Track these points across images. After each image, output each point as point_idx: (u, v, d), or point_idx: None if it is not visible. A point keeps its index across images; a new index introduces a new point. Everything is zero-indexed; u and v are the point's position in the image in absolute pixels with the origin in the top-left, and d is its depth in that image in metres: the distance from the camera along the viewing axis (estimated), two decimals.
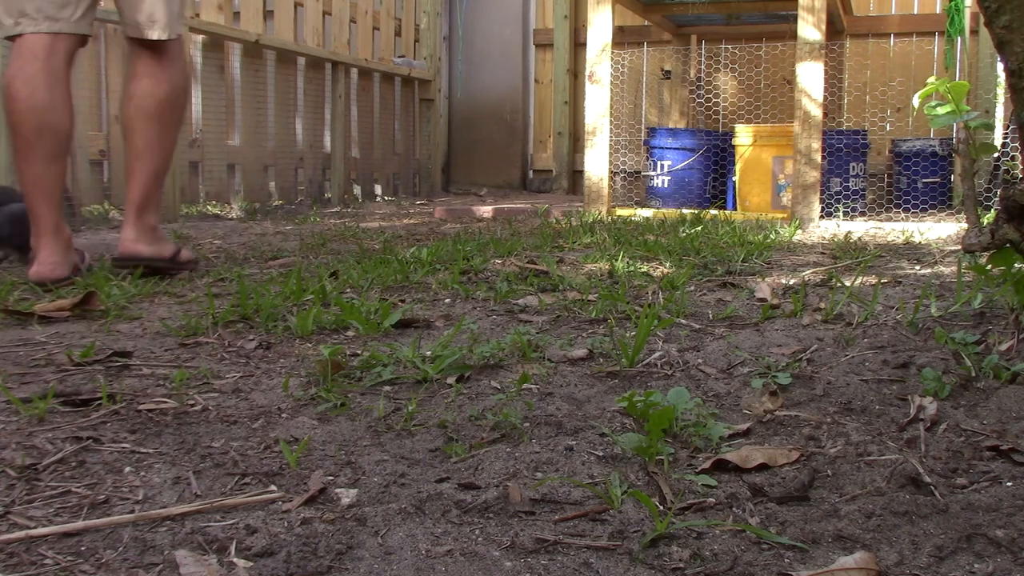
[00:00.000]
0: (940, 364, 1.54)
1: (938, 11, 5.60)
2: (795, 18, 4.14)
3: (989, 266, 1.65)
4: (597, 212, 4.43)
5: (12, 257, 2.78)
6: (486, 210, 4.73)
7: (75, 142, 4.01)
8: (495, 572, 0.93)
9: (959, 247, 2.81)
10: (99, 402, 1.41)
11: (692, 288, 2.35)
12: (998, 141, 4.80)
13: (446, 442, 1.28)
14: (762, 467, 1.19)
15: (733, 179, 4.80)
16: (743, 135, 4.69)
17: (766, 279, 2.47)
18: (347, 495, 1.11)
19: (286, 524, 1.03)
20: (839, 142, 4.64)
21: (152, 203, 2.57)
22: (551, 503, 1.09)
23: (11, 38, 2.45)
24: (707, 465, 1.19)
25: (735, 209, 4.74)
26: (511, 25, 6.74)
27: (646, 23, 5.90)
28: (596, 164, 4.47)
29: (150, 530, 1.01)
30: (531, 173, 6.85)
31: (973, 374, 1.48)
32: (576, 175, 6.49)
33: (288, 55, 5.23)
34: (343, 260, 2.88)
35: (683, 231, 3.57)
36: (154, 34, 2.49)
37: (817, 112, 4.08)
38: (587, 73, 4.47)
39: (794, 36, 4.14)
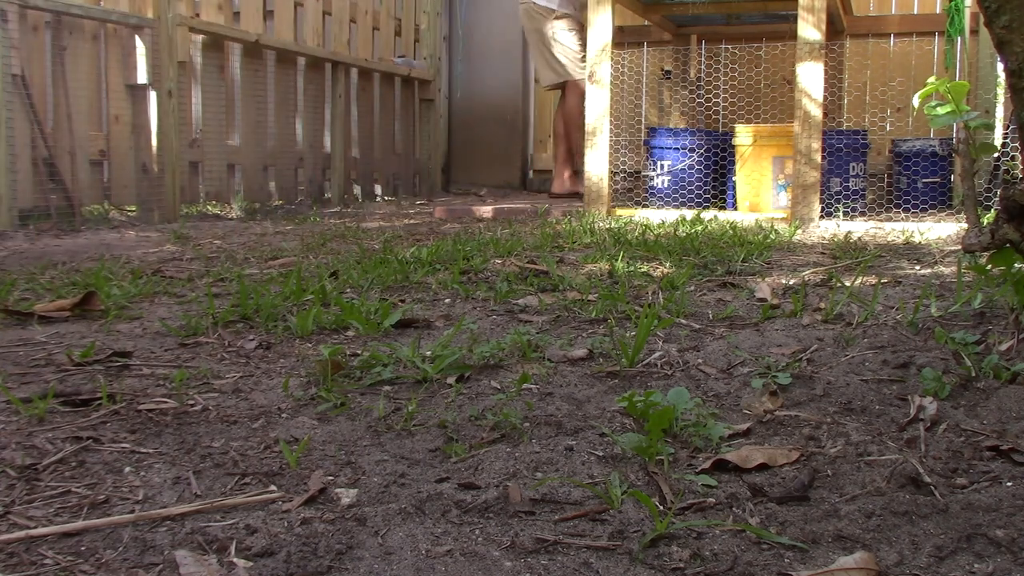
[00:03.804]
0: (940, 364, 1.54)
1: (938, 11, 5.60)
2: (795, 18, 4.14)
3: (989, 266, 1.65)
4: (597, 212, 4.42)
5: None
6: (486, 210, 4.73)
7: (75, 142, 4.02)
8: (495, 572, 0.93)
9: (959, 247, 2.81)
10: (99, 402, 1.41)
11: (692, 288, 2.35)
12: (998, 141, 4.79)
13: (446, 442, 1.28)
14: (762, 467, 1.19)
15: (733, 179, 4.80)
16: (743, 135, 4.68)
17: (766, 279, 2.47)
18: (347, 495, 1.11)
19: (286, 524, 1.03)
20: (839, 142, 4.64)
21: (569, 163, 5.66)
22: (551, 503, 1.09)
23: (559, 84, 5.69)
24: (707, 465, 1.19)
25: (735, 209, 4.74)
26: (511, 25, 6.73)
27: (646, 23, 5.90)
28: (596, 164, 4.47)
29: (150, 530, 1.01)
30: (531, 173, 6.85)
31: (973, 374, 1.48)
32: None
33: (288, 55, 5.23)
34: (343, 260, 2.88)
35: (683, 231, 3.57)
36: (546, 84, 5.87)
37: (817, 112, 4.07)
38: (587, 73, 4.47)
39: (794, 36, 4.14)
